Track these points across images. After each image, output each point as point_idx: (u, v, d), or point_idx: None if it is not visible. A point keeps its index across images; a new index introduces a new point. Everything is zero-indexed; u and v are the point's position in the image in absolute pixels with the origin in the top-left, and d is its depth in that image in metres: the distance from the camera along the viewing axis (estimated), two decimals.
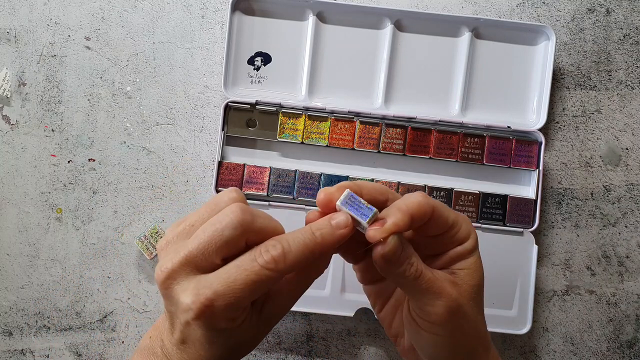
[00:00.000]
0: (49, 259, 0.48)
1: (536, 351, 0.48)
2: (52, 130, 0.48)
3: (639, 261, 0.48)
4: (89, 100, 0.48)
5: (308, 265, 0.30)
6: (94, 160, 0.48)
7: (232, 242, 0.28)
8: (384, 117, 0.47)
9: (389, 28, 0.47)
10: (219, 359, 0.30)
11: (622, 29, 0.49)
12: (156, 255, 0.46)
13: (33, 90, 0.48)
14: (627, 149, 0.49)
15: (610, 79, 0.49)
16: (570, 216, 0.48)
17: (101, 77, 0.48)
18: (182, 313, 0.27)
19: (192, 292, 0.27)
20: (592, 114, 0.49)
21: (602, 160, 0.49)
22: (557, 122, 0.49)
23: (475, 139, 0.47)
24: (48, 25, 0.48)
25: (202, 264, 0.28)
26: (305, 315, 0.48)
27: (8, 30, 0.48)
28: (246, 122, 0.47)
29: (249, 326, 0.29)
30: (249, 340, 0.31)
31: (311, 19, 0.47)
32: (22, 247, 0.48)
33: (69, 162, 0.48)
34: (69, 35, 0.48)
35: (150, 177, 0.48)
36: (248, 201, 0.45)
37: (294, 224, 0.45)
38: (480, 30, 0.47)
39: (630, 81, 0.49)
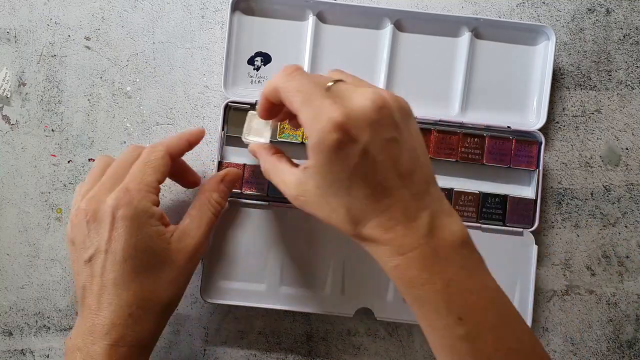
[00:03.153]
0: (49, 259, 0.48)
1: None
2: (52, 130, 0.48)
3: (639, 261, 0.48)
4: (89, 100, 0.48)
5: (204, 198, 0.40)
6: (94, 160, 0.48)
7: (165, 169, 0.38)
8: None
9: (388, 28, 0.47)
10: (142, 274, 0.35)
11: (622, 29, 0.49)
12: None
13: (33, 90, 0.48)
14: (627, 149, 0.49)
15: (610, 79, 0.49)
16: (570, 216, 0.48)
17: (101, 77, 0.48)
18: (108, 214, 0.34)
19: (111, 195, 0.35)
20: (592, 114, 0.49)
21: (602, 160, 0.49)
22: (557, 122, 0.49)
23: (475, 139, 0.47)
24: (48, 25, 0.48)
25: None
26: (305, 315, 0.48)
27: (8, 30, 0.48)
28: None
29: (161, 236, 0.36)
30: (164, 253, 0.36)
31: (311, 19, 0.47)
32: (22, 247, 0.48)
33: (69, 162, 0.48)
34: (69, 35, 0.48)
35: None
36: (248, 201, 0.46)
37: (295, 224, 0.46)
38: (480, 30, 0.47)
39: (630, 81, 0.49)
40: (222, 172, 0.41)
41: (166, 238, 0.36)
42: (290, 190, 0.33)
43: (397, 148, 0.31)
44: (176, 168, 0.42)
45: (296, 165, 0.35)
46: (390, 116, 0.30)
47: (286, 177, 0.34)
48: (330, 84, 0.31)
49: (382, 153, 0.30)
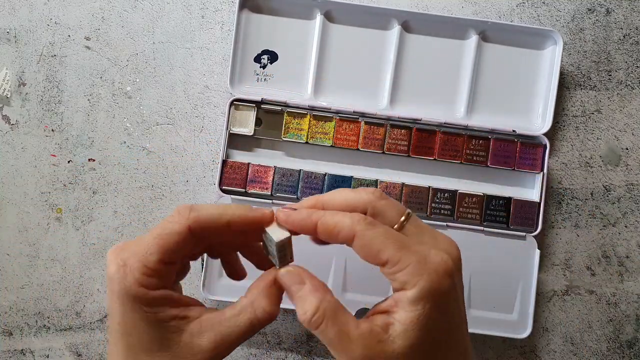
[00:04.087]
0: (49, 259, 0.48)
1: (536, 351, 0.48)
2: (52, 130, 0.48)
3: (639, 261, 0.48)
4: (89, 100, 0.48)
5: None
6: (94, 160, 0.48)
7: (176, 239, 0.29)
8: (389, 118, 0.47)
9: (396, 29, 0.47)
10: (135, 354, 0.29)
11: (622, 29, 0.49)
12: None
13: (33, 90, 0.48)
14: (627, 149, 0.49)
15: (610, 79, 0.49)
16: (570, 216, 0.48)
17: (101, 77, 0.48)
18: (108, 284, 0.29)
19: (113, 262, 0.29)
20: (592, 114, 0.49)
21: (602, 160, 0.49)
22: (557, 122, 0.49)
23: (480, 141, 0.47)
24: (48, 25, 0.48)
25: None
26: None
27: (8, 30, 0.48)
28: None
29: (149, 329, 0.29)
30: (152, 346, 0.30)
31: (319, 18, 0.47)
32: (22, 247, 0.48)
33: (69, 162, 0.48)
34: (69, 35, 0.48)
35: (150, 177, 0.48)
36: (252, 199, 0.46)
37: None
38: (487, 33, 0.47)
39: (630, 81, 0.49)
40: (270, 274, 0.31)
41: (172, 326, 0.30)
42: (359, 349, 0.27)
43: (463, 303, 0.29)
44: (217, 251, 0.35)
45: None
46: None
47: (352, 331, 0.27)
48: (402, 218, 0.29)
49: (459, 307, 0.28)
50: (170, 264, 0.30)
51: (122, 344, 0.30)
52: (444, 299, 0.27)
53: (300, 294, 0.29)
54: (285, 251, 0.30)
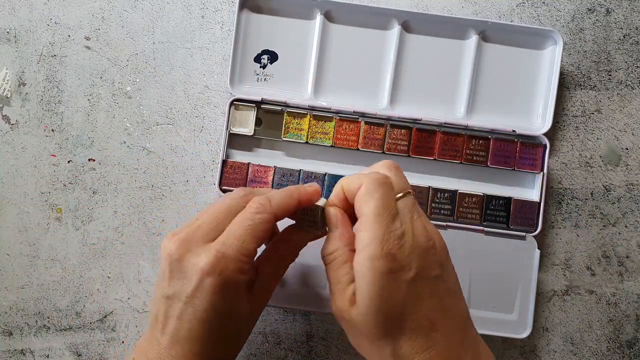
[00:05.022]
0: (49, 259, 0.48)
1: (536, 351, 0.48)
2: (52, 130, 0.48)
3: (639, 261, 0.48)
4: (89, 100, 0.48)
5: (285, 242, 0.37)
6: (94, 160, 0.48)
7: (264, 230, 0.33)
8: (389, 118, 0.47)
9: (396, 29, 0.47)
10: (218, 338, 0.33)
11: (622, 29, 0.49)
12: None
13: (33, 90, 0.48)
14: (627, 149, 0.49)
15: (610, 79, 0.49)
16: (570, 216, 0.48)
17: (101, 77, 0.48)
18: (196, 274, 0.31)
19: (205, 253, 0.32)
20: (592, 114, 0.49)
21: (602, 160, 0.49)
22: (557, 122, 0.49)
23: (480, 141, 0.47)
24: (48, 25, 0.48)
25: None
26: (305, 315, 0.48)
27: (8, 30, 0.48)
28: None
29: (245, 302, 0.33)
30: (244, 318, 0.34)
31: (319, 18, 0.47)
32: (22, 247, 0.48)
33: (69, 162, 0.48)
34: (69, 35, 0.48)
35: (150, 177, 0.48)
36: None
37: None
38: (487, 33, 0.47)
39: (630, 81, 0.49)
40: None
41: (247, 306, 0.34)
42: (340, 304, 0.32)
43: (443, 285, 0.31)
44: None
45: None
46: (436, 258, 0.31)
47: (344, 285, 0.32)
48: (399, 194, 0.32)
49: (428, 287, 0.30)
50: None
51: (204, 329, 0.32)
52: (386, 275, 0.30)
53: (330, 234, 0.34)
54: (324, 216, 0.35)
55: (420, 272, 0.30)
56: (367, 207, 0.30)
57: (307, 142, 0.47)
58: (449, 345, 0.30)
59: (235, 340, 0.34)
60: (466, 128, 0.47)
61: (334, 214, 0.34)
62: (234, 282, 0.32)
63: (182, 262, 0.32)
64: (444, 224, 0.46)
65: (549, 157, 0.48)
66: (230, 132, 0.47)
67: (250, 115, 0.47)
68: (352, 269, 0.31)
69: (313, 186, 0.36)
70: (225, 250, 0.32)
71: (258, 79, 0.48)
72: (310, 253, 0.46)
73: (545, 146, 0.47)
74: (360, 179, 0.32)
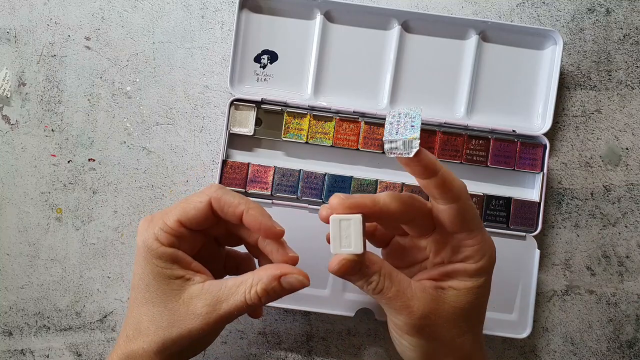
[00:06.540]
0: (49, 259, 0.48)
1: (536, 351, 0.48)
2: (52, 130, 0.48)
3: (639, 261, 0.48)
4: (89, 100, 0.48)
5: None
6: (94, 160, 0.48)
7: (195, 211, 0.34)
8: None
9: (396, 29, 0.47)
10: (158, 302, 0.33)
11: (622, 29, 0.49)
12: None
13: (33, 90, 0.48)
14: (627, 149, 0.49)
15: (610, 79, 0.49)
16: (570, 216, 0.48)
17: (101, 77, 0.48)
18: (139, 243, 0.34)
19: (145, 219, 0.34)
20: (592, 114, 0.49)
21: (602, 160, 0.49)
22: (557, 122, 0.49)
23: (480, 141, 0.47)
24: (48, 25, 0.48)
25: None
26: (305, 315, 0.48)
27: (8, 30, 0.48)
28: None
29: (178, 271, 0.33)
30: (178, 287, 0.33)
31: (319, 18, 0.47)
32: (22, 247, 0.48)
33: (69, 162, 0.48)
34: (69, 35, 0.48)
35: (150, 177, 0.48)
36: (252, 199, 0.46)
37: (298, 223, 0.46)
38: (487, 33, 0.47)
39: (630, 81, 0.49)
40: (288, 268, 0.34)
41: (176, 283, 0.33)
42: (419, 306, 0.31)
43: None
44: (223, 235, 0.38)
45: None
46: None
47: (408, 290, 0.32)
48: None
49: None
50: (189, 230, 0.34)
51: (133, 292, 0.34)
52: (490, 277, 0.33)
53: (359, 276, 0.32)
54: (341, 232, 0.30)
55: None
56: (475, 222, 0.32)
57: (307, 142, 0.47)
58: (481, 341, 0.35)
59: (155, 315, 0.33)
60: (466, 128, 0.47)
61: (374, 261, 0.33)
62: (148, 246, 0.33)
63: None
64: None
65: (549, 157, 0.48)
66: (230, 132, 0.47)
67: (250, 115, 0.47)
68: (402, 273, 0.33)
69: (274, 225, 0.34)
70: (154, 216, 0.34)
71: (258, 79, 0.48)
72: (310, 253, 0.46)
73: (545, 146, 0.47)
74: (453, 188, 0.31)
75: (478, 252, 0.32)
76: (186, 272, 0.33)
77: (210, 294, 0.32)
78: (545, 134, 0.47)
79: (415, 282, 0.32)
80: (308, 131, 0.47)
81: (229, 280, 0.33)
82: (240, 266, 0.40)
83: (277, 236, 0.34)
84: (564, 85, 0.49)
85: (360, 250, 0.30)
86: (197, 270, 0.34)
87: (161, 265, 0.33)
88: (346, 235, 0.30)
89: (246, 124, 0.47)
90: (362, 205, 0.31)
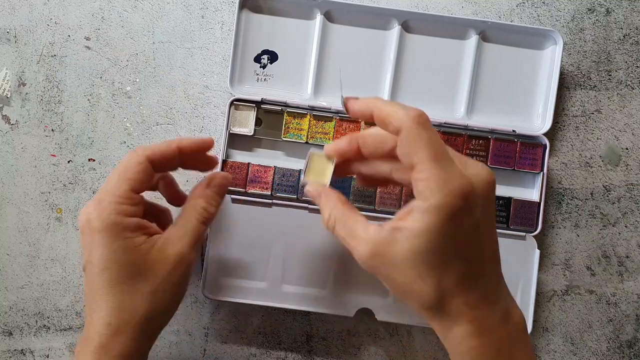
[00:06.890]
0: (49, 259, 0.48)
1: (536, 351, 0.48)
2: (52, 130, 0.48)
3: (639, 261, 0.48)
4: (89, 100, 0.48)
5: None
6: (94, 160, 0.48)
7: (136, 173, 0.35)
8: None
9: (396, 29, 0.47)
10: (126, 278, 0.34)
11: (622, 29, 0.49)
12: None
13: (33, 90, 0.48)
14: (627, 149, 0.49)
15: (610, 79, 0.49)
16: (570, 216, 0.48)
17: (101, 77, 0.48)
18: (85, 229, 0.34)
19: (86, 208, 0.34)
20: (592, 114, 0.49)
21: (602, 160, 0.49)
22: (557, 122, 0.49)
23: (480, 141, 0.47)
24: (48, 25, 0.48)
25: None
26: (305, 315, 0.48)
27: (8, 30, 0.48)
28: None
29: (144, 243, 0.35)
30: (149, 258, 0.34)
31: (319, 18, 0.47)
32: (22, 247, 0.48)
33: (69, 162, 0.48)
34: (69, 35, 0.48)
35: None
36: (251, 199, 0.46)
37: (298, 223, 0.46)
38: (487, 33, 0.47)
39: (630, 81, 0.49)
40: (208, 176, 0.38)
41: (144, 248, 0.34)
42: (364, 247, 0.30)
43: (494, 227, 0.32)
44: (164, 180, 0.41)
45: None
46: (494, 195, 0.31)
47: (360, 231, 0.31)
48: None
49: (487, 230, 0.31)
50: (138, 195, 0.35)
51: (102, 279, 0.34)
52: (454, 218, 0.28)
53: (319, 205, 0.34)
54: (311, 164, 0.37)
55: (483, 215, 0.30)
56: (421, 153, 0.29)
57: (307, 142, 0.47)
58: (491, 288, 0.31)
59: (137, 287, 0.34)
60: (466, 128, 0.47)
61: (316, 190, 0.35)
62: (113, 223, 0.33)
63: (80, 226, 0.35)
64: None
65: (549, 157, 0.48)
66: (230, 132, 0.47)
67: (250, 115, 0.47)
68: (358, 214, 0.32)
69: (197, 138, 0.38)
70: (100, 196, 0.34)
71: (258, 79, 0.48)
72: (310, 253, 0.46)
73: (545, 146, 0.47)
74: (393, 121, 0.30)
75: (427, 187, 0.28)
76: (144, 234, 0.35)
77: (168, 242, 0.35)
78: (545, 134, 0.47)
79: (374, 225, 0.31)
80: (308, 131, 0.47)
81: (177, 221, 0.37)
82: (159, 217, 0.42)
83: (211, 145, 0.38)
84: (564, 85, 0.49)
85: (324, 182, 0.36)
86: (156, 231, 0.36)
87: (131, 236, 0.34)
88: (317, 168, 0.37)
89: (246, 124, 0.47)
90: (338, 149, 0.36)
